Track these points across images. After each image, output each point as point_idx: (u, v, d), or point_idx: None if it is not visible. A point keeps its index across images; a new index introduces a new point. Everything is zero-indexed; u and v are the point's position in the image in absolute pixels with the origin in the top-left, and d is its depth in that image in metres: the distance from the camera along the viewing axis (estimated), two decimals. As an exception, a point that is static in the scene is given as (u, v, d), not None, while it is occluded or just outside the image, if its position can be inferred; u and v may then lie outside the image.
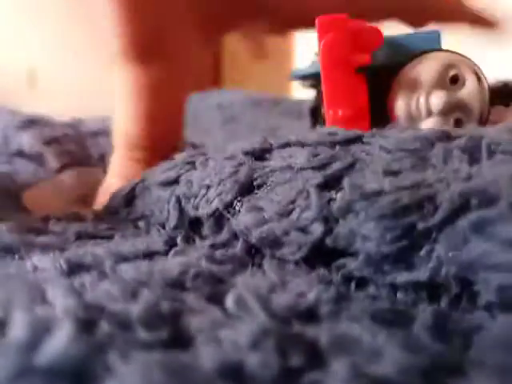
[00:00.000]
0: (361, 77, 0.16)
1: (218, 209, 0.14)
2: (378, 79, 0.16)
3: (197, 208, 0.15)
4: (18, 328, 0.08)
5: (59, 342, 0.07)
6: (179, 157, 0.17)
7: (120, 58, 0.19)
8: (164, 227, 0.16)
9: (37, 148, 0.24)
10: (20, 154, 0.25)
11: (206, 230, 0.14)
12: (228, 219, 0.14)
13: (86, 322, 0.08)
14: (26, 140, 0.25)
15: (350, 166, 0.13)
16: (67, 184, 0.21)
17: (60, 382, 0.07)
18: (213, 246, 0.14)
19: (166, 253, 0.14)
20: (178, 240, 0.15)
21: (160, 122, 0.19)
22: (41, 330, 0.08)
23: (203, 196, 0.14)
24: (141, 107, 0.19)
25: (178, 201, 0.15)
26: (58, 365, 0.07)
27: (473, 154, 0.12)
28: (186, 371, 0.07)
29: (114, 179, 0.20)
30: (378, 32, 0.16)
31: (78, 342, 0.08)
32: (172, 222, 0.15)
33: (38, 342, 0.07)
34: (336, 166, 0.13)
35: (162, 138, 0.19)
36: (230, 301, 0.09)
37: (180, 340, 0.08)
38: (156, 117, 0.19)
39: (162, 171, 0.16)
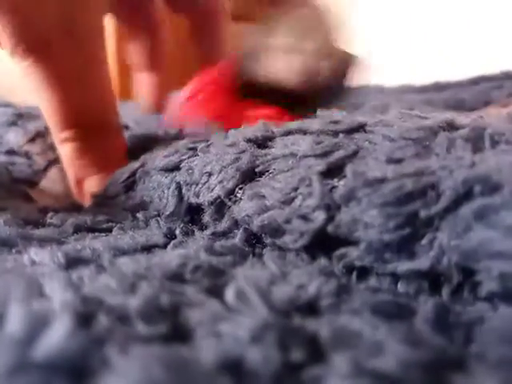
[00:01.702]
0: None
1: (219, 196, 0.14)
2: None
3: (198, 195, 0.15)
4: (15, 322, 0.08)
5: (57, 336, 0.07)
6: (181, 143, 0.17)
7: (14, 53, 0.18)
8: (162, 214, 0.15)
9: (24, 146, 0.25)
10: (12, 152, 0.25)
11: (206, 218, 0.14)
12: (229, 207, 0.14)
13: (85, 316, 0.08)
14: (13, 138, 0.25)
15: (353, 154, 0.13)
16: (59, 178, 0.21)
17: (58, 376, 0.07)
18: (213, 235, 0.14)
19: (165, 245, 0.13)
20: (177, 232, 0.14)
21: (78, 103, 0.19)
22: (38, 324, 0.08)
23: (204, 183, 0.14)
24: (51, 97, 0.18)
25: (178, 187, 0.15)
26: (56, 359, 0.07)
27: (476, 144, 0.12)
28: (186, 365, 0.07)
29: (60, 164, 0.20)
30: None
31: (76, 336, 0.07)
32: (169, 208, 0.15)
33: (36, 336, 0.07)
34: (339, 154, 0.13)
35: (88, 117, 0.19)
36: (229, 294, 0.09)
37: (179, 334, 0.08)
38: (70, 100, 0.19)
39: (164, 156, 0.16)
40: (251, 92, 0.18)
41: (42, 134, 0.25)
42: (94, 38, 0.19)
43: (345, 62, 0.19)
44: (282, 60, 0.18)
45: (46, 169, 0.23)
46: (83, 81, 0.19)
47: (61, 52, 0.18)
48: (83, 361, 0.07)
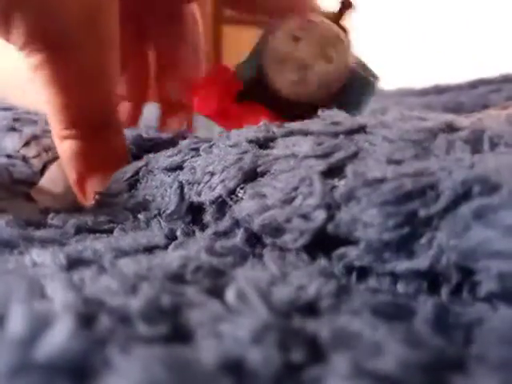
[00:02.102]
0: None
1: (220, 196, 0.14)
2: None
3: (199, 194, 0.15)
4: (17, 323, 0.08)
5: (59, 336, 0.07)
6: (183, 143, 0.17)
7: (25, 48, 0.18)
8: (164, 213, 0.16)
9: (20, 151, 0.25)
10: (10, 157, 0.25)
11: (207, 217, 0.15)
12: (230, 206, 0.14)
13: (86, 317, 0.08)
14: (10, 144, 0.25)
15: (353, 155, 0.13)
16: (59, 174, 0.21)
17: (59, 377, 0.07)
18: (214, 235, 0.14)
19: (166, 246, 0.14)
20: (178, 233, 0.14)
21: (87, 101, 0.19)
22: (40, 325, 0.08)
23: (207, 182, 0.15)
24: (59, 94, 0.18)
25: (180, 186, 0.15)
26: (58, 360, 0.07)
27: (475, 146, 0.12)
28: (187, 366, 0.07)
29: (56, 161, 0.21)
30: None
31: (78, 337, 0.07)
32: (170, 207, 0.15)
33: (37, 336, 0.07)
34: (339, 155, 0.13)
35: (95, 115, 0.19)
36: (230, 294, 0.09)
37: (180, 334, 0.08)
38: (79, 99, 0.19)
39: (167, 156, 0.17)
40: (257, 97, 0.19)
41: (36, 137, 0.25)
42: (113, 41, 0.19)
43: (361, 81, 0.19)
44: (294, 73, 0.18)
45: (42, 171, 0.23)
46: (96, 80, 0.19)
47: (79, 50, 0.18)
48: (85, 361, 0.07)
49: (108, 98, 0.19)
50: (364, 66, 0.21)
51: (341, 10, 0.19)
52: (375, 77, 0.21)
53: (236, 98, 0.19)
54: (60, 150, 0.20)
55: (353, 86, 0.19)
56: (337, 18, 0.19)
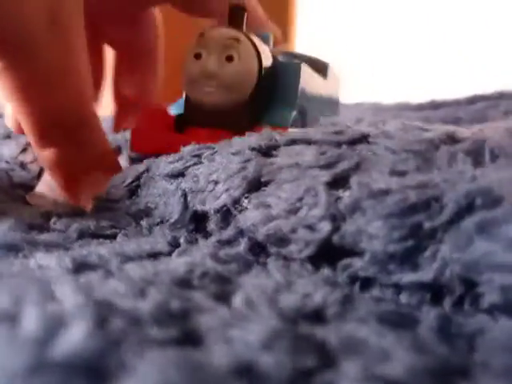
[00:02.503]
0: None
1: (225, 205, 0.14)
2: None
3: (204, 203, 0.15)
4: (31, 322, 0.08)
5: (76, 335, 0.07)
6: (185, 149, 0.17)
7: None
8: (167, 221, 0.16)
9: (17, 157, 0.25)
10: (8, 162, 0.25)
11: (211, 226, 0.15)
12: (235, 216, 0.14)
13: (100, 318, 0.08)
14: (7, 152, 0.26)
15: (357, 166, 0.13)
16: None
17: (76, 377, 0.07)
18: (218, 243, 0.14)
19: (170, 253, 0.14)
20: (181, 240, 0.15)
21: (58, 102, 0.18)
22: (55, 325, 0.08)
23: (211, 191, 0.15)
24: (27, 100, 0.17)
25: (184, 195, 0.15)
26: (75, 359, 0.07)
27: (477, 158, 0.12)
28: (201, 369, 0.07)
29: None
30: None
31: (95, 337, 0.07)
32: (174, 216, 0.15)
33: (53, 336, 0.07)
34: (343, 165, 0.13)
35: (68, 116, 0.18)
36: (238, 300, 0.10)
37: (191, 338, 0.08)
38: (49, 100, 0.18)
39: (169, 162, 0.16)
40: (195, 118, 0.20)
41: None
42: (78, 26, 0.18)
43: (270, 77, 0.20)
44: (206, 85, 0.19)
45: (39, 175, 0.23)
46: (64, 75, 0.17)
47: (41, 53, 0.17)
48: (101, 361, 0.07)
49: (77, 98, 0.18)
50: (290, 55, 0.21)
51: (230, 14, 0.19)
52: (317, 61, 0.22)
53: (175, 128, 0.20)
54: (41, 159, 0.19)
55: (276, 77, 0.20)
56: (230, 22, 0.19)
